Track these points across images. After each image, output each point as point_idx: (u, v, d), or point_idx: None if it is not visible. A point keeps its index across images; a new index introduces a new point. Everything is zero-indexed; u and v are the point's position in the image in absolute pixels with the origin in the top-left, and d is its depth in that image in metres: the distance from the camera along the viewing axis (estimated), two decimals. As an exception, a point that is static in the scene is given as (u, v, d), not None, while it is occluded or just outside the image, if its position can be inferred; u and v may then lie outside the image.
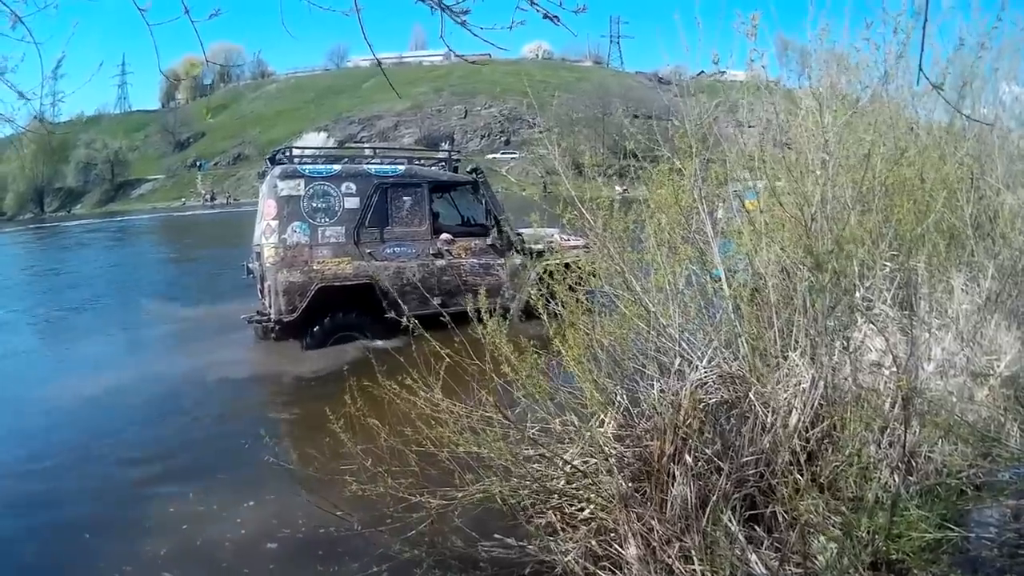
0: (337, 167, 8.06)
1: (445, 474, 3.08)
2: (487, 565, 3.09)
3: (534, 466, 3.03)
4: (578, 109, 44.30)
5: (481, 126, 69.61)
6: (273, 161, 8.14)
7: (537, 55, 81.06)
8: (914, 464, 2.99)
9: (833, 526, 2.83)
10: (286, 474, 3.81)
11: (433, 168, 8.81)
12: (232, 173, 69.03)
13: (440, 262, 8.22)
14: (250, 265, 8.80)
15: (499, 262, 8.50)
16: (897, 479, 2.85)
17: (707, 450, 2.86)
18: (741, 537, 2.76)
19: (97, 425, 5.97)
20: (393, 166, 8.42)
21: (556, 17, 2.24)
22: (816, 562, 2.75)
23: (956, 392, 3.17)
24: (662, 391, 2.94)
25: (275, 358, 7.64)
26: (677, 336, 3.04)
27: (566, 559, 2.78)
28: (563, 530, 2.96)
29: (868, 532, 2.68)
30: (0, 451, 5.39)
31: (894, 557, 2.71)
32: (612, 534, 2.80)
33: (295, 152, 8.50)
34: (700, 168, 3.36)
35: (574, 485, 2.97)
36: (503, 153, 65.75)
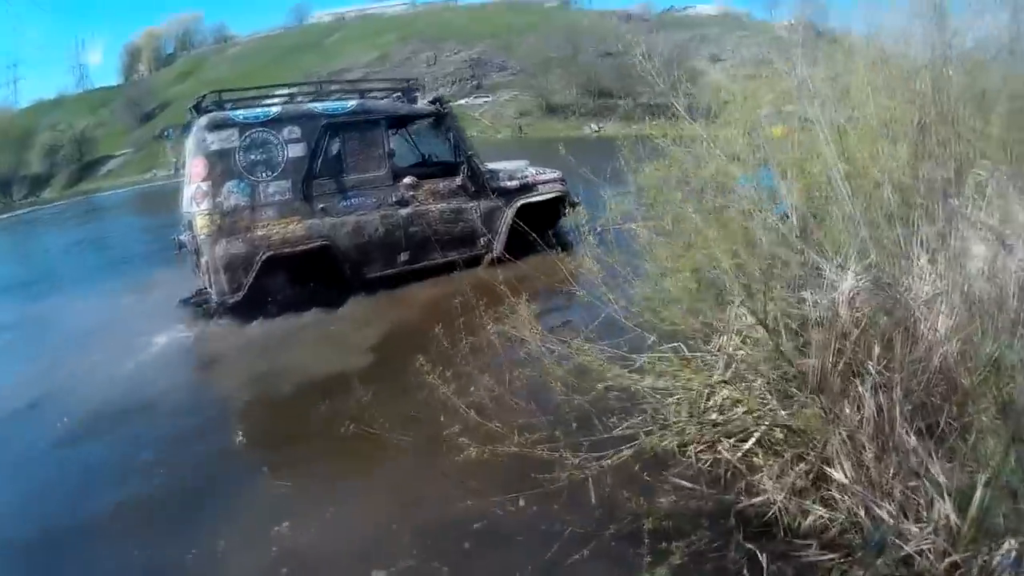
0: (276, 108, 6.57)
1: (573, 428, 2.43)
2: (697, 518, 2.36)
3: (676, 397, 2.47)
4: (548, 50, 43.15)
5: (451, 72, 67.74)
6: (199, 110, 6.44)
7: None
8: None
9: (998, 431, 2.61)
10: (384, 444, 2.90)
11: (389, 101, 7.38)
12: (201, 139, 66.34)
13: (405, 211, 6.96)
14: (181, 238, 7.06)
15: (471, 205, 7.31)
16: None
17: (872, 363, 2.52)
18: (921, 450, 2.46)
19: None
20: (342, 102, 6.95)
21: None
22: (990, 467, 2.53)
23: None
24: (815, 304, 2.56)
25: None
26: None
27: (778, 499, 2.23)
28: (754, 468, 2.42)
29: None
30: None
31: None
32: (803, 463, 2.32)
33: (226, 96, 6.69)
34: None
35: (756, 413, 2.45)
36: (475, 98, 64.50)
